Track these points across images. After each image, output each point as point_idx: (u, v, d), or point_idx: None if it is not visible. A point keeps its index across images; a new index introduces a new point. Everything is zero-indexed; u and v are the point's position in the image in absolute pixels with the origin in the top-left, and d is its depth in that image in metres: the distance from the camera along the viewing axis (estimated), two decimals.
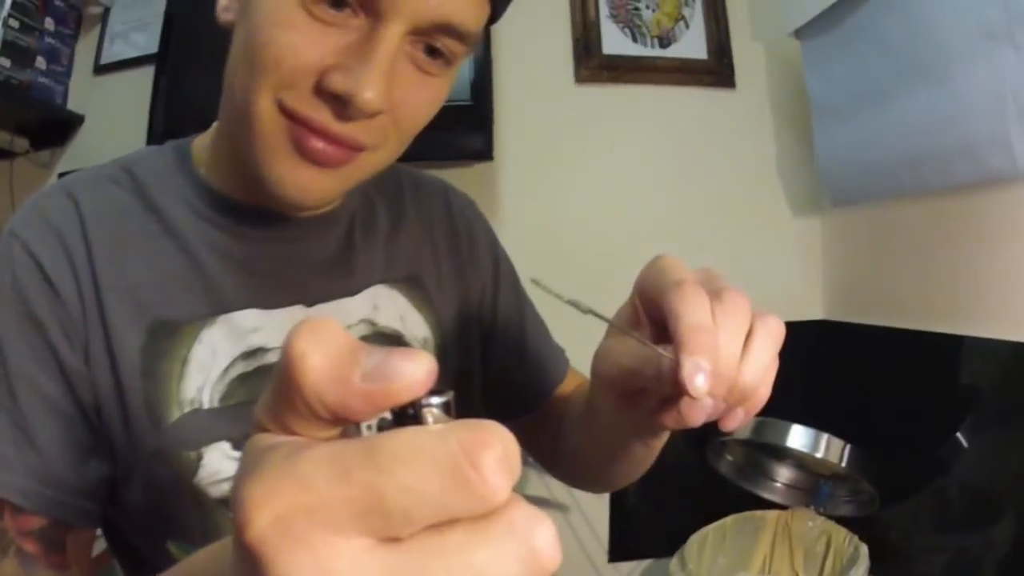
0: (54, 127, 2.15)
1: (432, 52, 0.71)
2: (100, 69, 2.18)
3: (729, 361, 0.54)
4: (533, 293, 1.06)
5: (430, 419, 0.30)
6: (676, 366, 0.51)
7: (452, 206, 1.02)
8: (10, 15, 1.94)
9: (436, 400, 0.30)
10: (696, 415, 0.55)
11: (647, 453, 0.77)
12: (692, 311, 0.53)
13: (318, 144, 0.68)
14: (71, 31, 2.18)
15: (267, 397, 0.32)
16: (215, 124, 0.83)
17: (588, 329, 0.64)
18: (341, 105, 0.66)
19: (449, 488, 0.26)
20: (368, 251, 0.90)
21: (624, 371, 0.61)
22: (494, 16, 0.76)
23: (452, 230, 1.00)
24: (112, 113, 2.12)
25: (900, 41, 1.58)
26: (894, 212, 1.84)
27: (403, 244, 0.94)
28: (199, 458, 0.75)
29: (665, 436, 0.73)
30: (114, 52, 2.18)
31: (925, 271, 1.75)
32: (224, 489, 0.76)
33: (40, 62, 2.06)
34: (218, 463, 0.76)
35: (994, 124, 1.35)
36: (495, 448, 0.26)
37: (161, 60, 2.00)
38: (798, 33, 1.94)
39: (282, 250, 0.83)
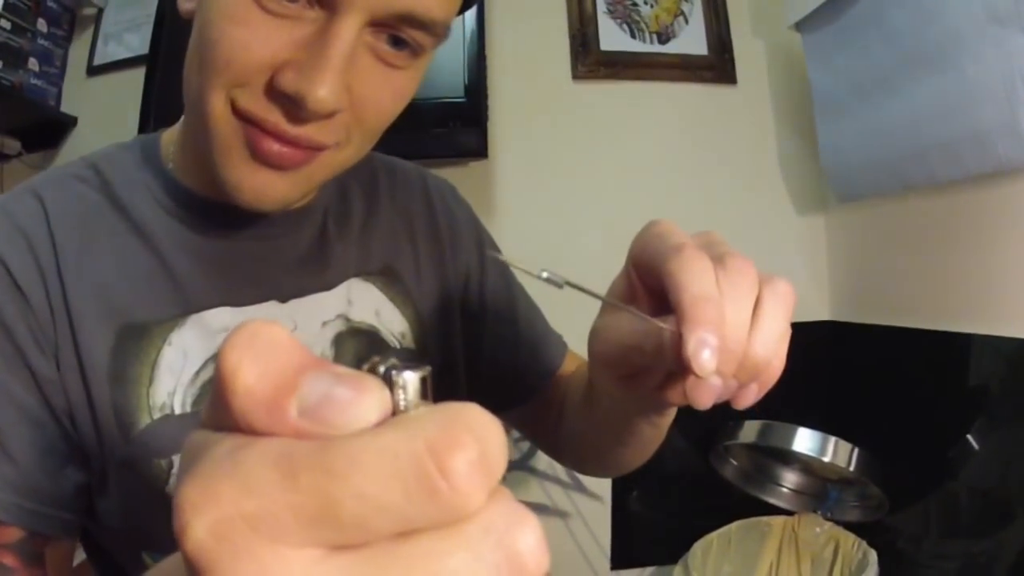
0: (47, 129, 2.10)
1: (397, 42, 0.65)
2: (93, 70, 2.13)
3: (737, 334, 0.49)
4: (538, 284, 0.98)
5: (401, 401, 0.25)
6: (679, 341, 0.47)
7: (431, 193, 0.97)
8: (3, 16, 1.89)
9: (410, 376, 0.25)
10: (703, 396, 0.50)
11: (654, 433, 0.72)
12: (695, 279, 0.48)
13: (273, 146, 0.63)
14: (64, 32, 2.13)
15: (206, 403, 0.27)
16: (183, 117, 0.77)
17: (588, 309, 0.58)
18: (294, 105, 0.61)
19: (413, 497, 0.22)
20: (342, 244, 0.85)
21: (623, 349, 0.56)
22: (467, 2, 0.70)
23: (431, 218, 0.95)
24: (105, 115, 2.07)
25: (904, 29, 1.51)
26: (899, 207, 1.77)
27: (378, 235, 0.89)
28: (171, 466, 0.70)
29: (672, 414, 0.69)
30: (107, 53, 2.13)
31: (932, 267, 1.68)
32: None
33: (33, 63, 2.01)
34: None
35: (1003, 110, 1.28)
36: (468, 449, 0.23)
37: (152, 61, 1.96)
38: (799, 26, 1.87)
39: (253, 246, 0.79)
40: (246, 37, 0.61)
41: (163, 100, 1.85)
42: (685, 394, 0.52)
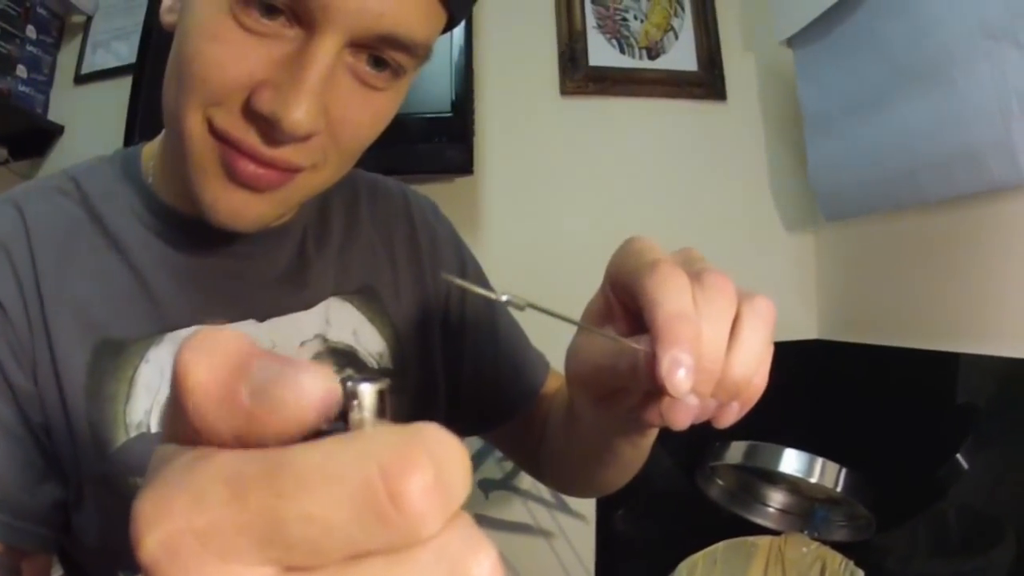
0: (34, 137, 2.07)
1: (378, 63, 0.63)
2: (81, 79, 2.10)
3: (714, 353, 0.48)
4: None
5: (356, 414, 0.25)
6: (653, 361, 0.45)
7: (412, 210, 0.95)
8: None
9: (367, 388, 0.25)
10: (680, 416, 0.49)
11: (635, 453, 0.71)
12: (670, 297, 0.47)
13: (248, 167, 0.62)
14: (53, 40, 2.10)
15: (164, 416, 0.22)
16: (164, 131, 0.75)
17: (569, 328, 0.55)
18: (269, 127, 0.60)
19: (362, 521, 0.22)
20: (321, 263, 0.84)
21: (598, 369, 0.55)
22: (451, 22, 0.68)
23: (411, 236, 0.93)
24: (92, 124, 2.04)
25: (897, 45, 1.48)
26: (888, 226, 1.74)
27: (357, 254, 0.88)
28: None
29: (653, 434, 0.68)
30: (95, 62, 2.10)
31: (921, 286, 1.65)
32: None
33: (21, 70, 1.98)
34: None
35: (996, 127, 1.25)
36: (423, 472, 0.22)
37: (139, 71, 1.93)
38: (791, 42, 1.84)
39: (232, 264, 0.77)
40: (222, 55, 0.60)
41: (149, 111, 1.82)
42: (661, 415, 0.51)
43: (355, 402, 0.25)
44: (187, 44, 0.61)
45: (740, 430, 1.47)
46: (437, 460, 0.22)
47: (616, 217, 2.00)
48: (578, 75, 2.00)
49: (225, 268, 0.77)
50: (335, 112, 0.63)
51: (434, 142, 1.79)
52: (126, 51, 2.04)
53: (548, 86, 2.03)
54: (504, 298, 0.45)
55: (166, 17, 0.68)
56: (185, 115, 0.62)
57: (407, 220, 0.94)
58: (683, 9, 2.06)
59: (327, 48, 0.59)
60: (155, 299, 0.73)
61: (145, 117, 1.84)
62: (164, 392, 0.70)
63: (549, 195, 2.01)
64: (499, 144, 1.97)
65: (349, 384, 0.25)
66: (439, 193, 1.03)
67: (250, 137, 0.61)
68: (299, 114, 0.58)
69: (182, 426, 0.25)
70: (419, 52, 0.65)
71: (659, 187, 2.04)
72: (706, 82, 2.05)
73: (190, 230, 0.74)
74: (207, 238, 0.74)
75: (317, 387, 0.23)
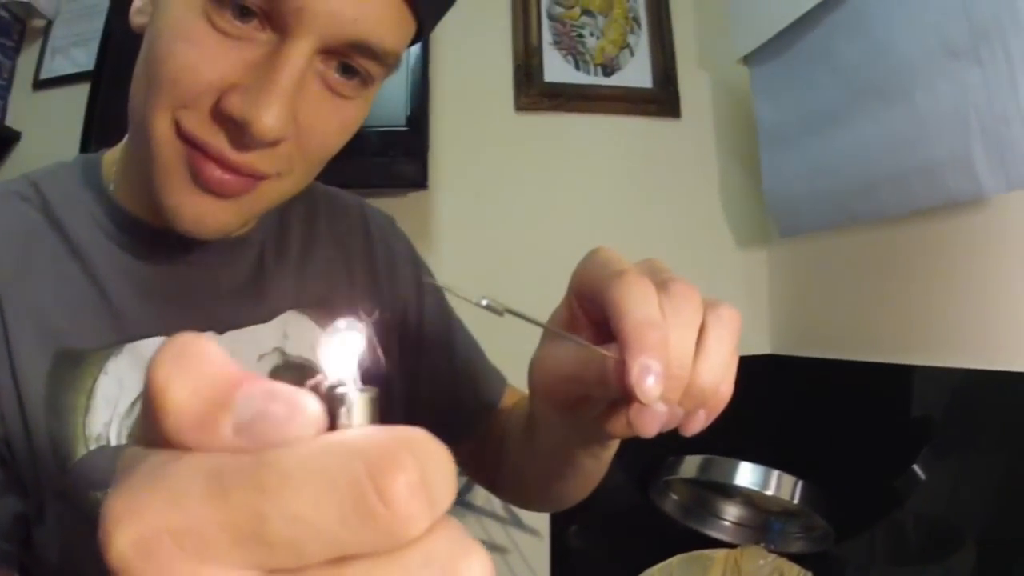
0: None
1: (347, 71, 0.63)
2: (39, 84, 2.06)
3: (682, 360, 0.48)
4: (475, 318, 0.95)
5: (345, 422, 0.24)
6: (622, 368, 0.46)
7: (369, 225, 0.95)
8: None
9: (357, 396, 0.25)
10: (648, 423, 0.48)
11: (596, 465, 0.70)
12: (637, 305, 0.47)
13: (215, 172, 0.61)
14: (13, 44, 2.05)
15: (137, 420, 0.21)
16: (126, 137, 0.74)
17: (529, 339, 0.57)
18: (238, 131, 0.60)
19: (348, 521, 0.21)
20: (279, 275, 0.83)
21: (563, 378, 0.55)
22: (420, 33, 0.68)
23: (369, 250, 0.93)
24: (49, 130, 2.00)
25: (856, 62, 1.50)
26: (841, 241, 1.76)
27: (315, 267, 0.87)
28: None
29: (614, 447, 0.67)
30: (54, 67, 2.05)
31: (874, 300, 1.67)
32: None
33: None
34: None
35: (955, 143, 1.26)
36: (409, 472, 0.22)
37: (97, 78, 1.89)
38: (747, 59, 1.86)
39: (192, 275, 0.76)
40: (194, 57, 0.59)
41: (106, 119, 1.80)
42: (628, 424, 0.50)
43: (344, 409, 0.24)
44: (159, 45, 0.60)
45: (694, 444, 1.47)
46: (422, 460, 0.22)
47: (569, 233, 1.99)
48: (533, 91, 2.00)
49: (185, 279, 0.76)
50: (303, 119, 0.63)
51: (389, 156, 1.78)
52: (84, 58, 2.00)
53: (503, 101, 2.02)
54: (484, 302, 0.46)
55: (136, 19, 0.67)
56: (153, 117, 0.61)
57: (365, 235, 0.94)
58: (639, 27, 2.08)
59: (299, 52, 0.59)
60: (114, 309, 0.71)
61: (102, 125, 1.81)
62: (123, 404, 0.68)
63: (503, 210, 2.00)
64: (453, 158, 1.96)
65: (338, 391, 0.24)
66: (392, 207, 1.02)
67: (218, 140, 0.61)
68: (270, 118, 0.58)
69: (154, 435, 0.24)
70: (388, 61, 0.66)
71: (612, 203, 2.05)
72: (661, 99, 2.06)
73: (150, 239, 0.73)
74: (167, 248, 0.74)
75: (310, 429, 0.23)
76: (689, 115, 2.09)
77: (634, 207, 2.05)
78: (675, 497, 1.81)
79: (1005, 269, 1.32)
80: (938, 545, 1.40)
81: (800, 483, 1.54)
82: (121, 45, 1.84)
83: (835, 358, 1.74)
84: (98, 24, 1.98)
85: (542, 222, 2.00)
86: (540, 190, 2.02)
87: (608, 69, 2.04)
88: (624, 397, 0.47)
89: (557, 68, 2.02)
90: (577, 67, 2.03)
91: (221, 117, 0.60)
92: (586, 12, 2.05)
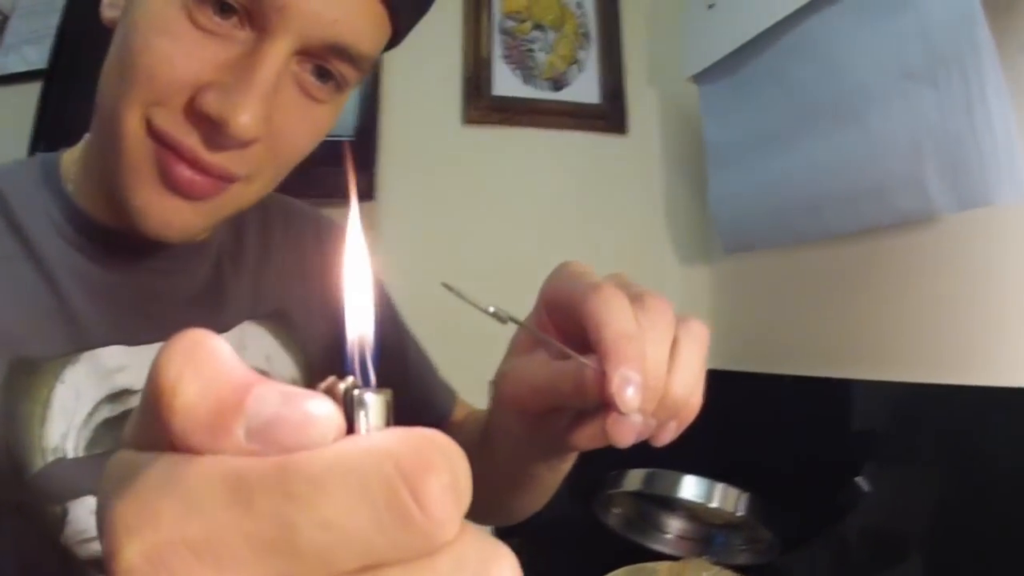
0: None
1: (322, 74, 0.63)
2: None
3: (658, 372, 0.50)
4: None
5: (363, 425, 0.23)
6: (601, 378, 0.47)
7: (323, 234, 0.95)
8: None
9: (374, 398, 0.24)
10: (625, 433, 0.49)
11: (554, 478, 0.71)
12: (616, 317, 0.48)
13: (185, 173, 0.60)
14: None
15: (133, 418, 0.25)
16: (86, 136, 0.72)
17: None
18: (213, 130, 0.58)
19: (383, 525, 0.20)
20: (236, 284, 0.82)
21: (536, 390, 0.56)
22: (395, 39, 0.69)
23: (323, 260, 0.91)
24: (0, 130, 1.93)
25: (808, 83, 1.52)
26: (784, 257, 1.79)
27: (271, 276, 0.86)
28: (64, 513, 0.64)
29: (572, 459, 0.68)
30: (7, 65, 1.98)
31: (817, 316, 1.70)
32: (92, 549, 0.65)
33: None
34: (85, 520, 0.65)
35: (908, 165, 1.29)
36: (442, 473, 0.21)
37: (49, 77, 1.84)
38: (696, 78, 1.88)
39: (149, 282, 0.74)
40: (171, 51, 0.58)
41: (58, 119, 1.75)
42: (595, 435, 0.53)
43: (362, 412, 0.24)
44: (135, 38, 0.59)
45: (637, 458, 1.48)
46: (451, 461, 0.21)
47: (515, 246, 2.00)
48: (481, 104, 2.00)
49: (142, 285, 0.74)
50: (276, 121, 0.63)
51: (337, 166, 1.75)
52: (36, 56, 1.94)
53: (451, 114, 2.02)
54: (491, 310, 0.48)
55: (107, 12, 0.65)
56: (123, 113, 0.60)
57: (318, 244, 0.93)
58: (589, 42, 2.09)
59: (278, 52, 0.59)
60: (71, 316, 0.69)
61: (53, 126, 1.76)
62: (80, 415, 0.67)
63: (448, 222, 2.00)
64: (399, 169, 1.95)
65: (356, 393, 0.24)
66: (338, 218, 1.01)
67: (191, 140, 0.60)
68: (246, 116, 0.58)
69: (155, 437, 0.23)
70: (364, 66, 0.66)
71: (558, 217, 2.06)
72: (608, 115, 2.08)
73: (108, 243, 0.72)
74: (125, 252, 0.72)
75: (329, 434, 0.22)
76: (636, 132, 2.11)
77: (579, 222, 2.06)
78: (617, 511, 1.80)
79: (948, 285, 1.35)
80: (883, 556, 1.43)
81: (745, 495, 1.54)
82: (76, 44, 1.80)
83: (777, 372, 1.76)
84: (53, 21, 1.92)
85: (488, 235, 2.00)
86: (486, 203, 2.02)
87: (557, 84, 2.06)
88: (600, 407, 0.48)
89: (506, 81, 2.03)
90: (526, 81, 2.04)
91: (195, 115, 0.59)
92: (537, 27, 2.06)
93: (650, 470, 1.64)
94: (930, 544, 1.34)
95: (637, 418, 0.48)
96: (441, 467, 0.21)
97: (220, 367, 0.22)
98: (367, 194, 1.83)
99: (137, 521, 0.20)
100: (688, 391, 0.51)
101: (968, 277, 1.32)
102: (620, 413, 0.47)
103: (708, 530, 1.73)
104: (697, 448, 1.67)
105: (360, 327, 0.28)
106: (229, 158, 0.62)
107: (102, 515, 0.22)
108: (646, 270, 2.07)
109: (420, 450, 0.21)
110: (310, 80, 0.64)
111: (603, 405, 0.47)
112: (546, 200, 2.06)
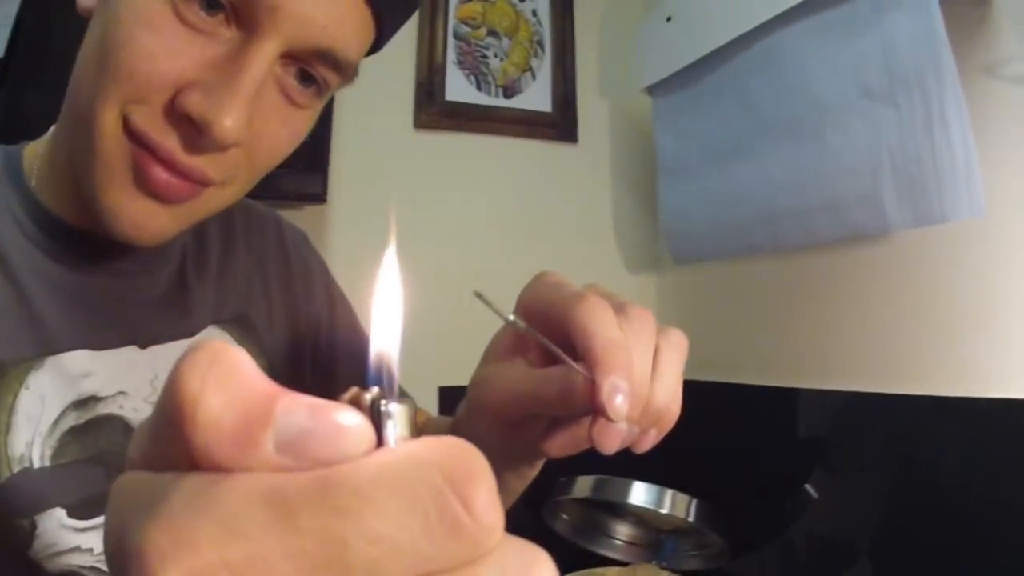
0: None
1: (305, 79, 0.62)
2: None
3: (642, 380, 0.50)
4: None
5: (391, 433, 0.23)
6: (591, 387, 0.47)
7: (285, 239, 0.93)
8: None
9: (401, 408, 0.23)
10: (611, 440, 0.49)
11: (521, 484, 0.70)
12: (603, 327, 0.49)
13: (161, 175, 0.58)
14: None
15: (143, 436, 0.23)
16: (52, 129, 0.69)
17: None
18: (194, 131, 0.56)
19: (434, 534, 0.20)
20: (201, 288, 0.80)
21: (517, 396, 0.55)
22: (376, 45, 0.68)
23: (285, 264, 0.91)
24: None
25: (768, 98, 1.55)
26: (728, 268, 1.83)
27: (233, 280, 0.84)
28: (33, 527, 0.62)
29: (539, 466, 0.68)
30: None
31: (762, 327, 1.74)
32: (62, 563, 0.63)
33: None
34: (53, 533, 0.62)
35: (865, 181, 1.33)
36: (486, 478, 0.21)
37: (3, 69, 1.74)
38: (651, 89, 1.90)
39: (114, 284, 0.71)
40: (154, 46, 0.56)
41: (15, 112, 1.65)
42: (569, 443, 0.54)
43: (391, 422, 0.23)
44: (116, 30, 0.57)
45: (584, 465, 1.48)
46: (488, 468, 0.21)
47: (464, 252, 2.00)
48: (433, 109, 2.00)
49: (106, 287, 0.72)
50: (257, 125, 0.61)
51: (290, 167, 1.73)
52: None
53: (403, 119, 2.02)
54: (510, 318, 0.48)
55: (84, 2, 0.63)
56: (100, 109, 0.58)
57: (280, 249, 0.92)
58: (543, 51, 2.11)
59: (265, 54, 0.58)
60: (35, 318, 0.66)
61: (9, 119, 1.65)
62: (46, 422, 0.64)
63: (398, 227, 1.97)
64: (349, 173, 1.94)
65: (382, 404, 0.23)
66: (290, 220, 1.01)
67: (169, 141, 0.58)
68: (230, 120, 0.56)
69: (173, 453, 0.22)
70: (347, 72, 0.65)
71: (506, 224, 2.06)
72: (558, 123, 2.10)
73: (73, 243, 0.69)
74: (87, 252, 0.69)
75: (362, 444, 0.21)
76: (586, 141, 2.14)
77: (528, 229, 2.07)
78: (566, 517, 1.81)
79: (896, 298, 1.40)
80: (831, 560, 1.47)
81: (694, 501, 1.56)
82: (35, 34, 1.73)
83: (726, 381, 1.79)
84: (11, 10, 1.80)
85: (438, 240, 2.00)
86: (437, 208, 2.02)
87: (509, 91, 2.07)
88: (576, 415, 0.50)
89: (459, 87, 2.03)
90: (479, 87, 2.04)
91: (175, 116, 0.57)
92: (492, 33, 2.07)
93: (599, 477, 1.65)
94: (877, 548, 1.38)
95: (623, 426, 0.49)
96: (485, 474, 0.21)
97: (243, 378, 0.21)
98: (320, 197, 1.80)
99: (173, 547, 0.19)
100: (670, 399, 0.52)
101: (915, 291, 1.37)
102: (609, 420, 0.47)
103: (657, 536, 1.74)
104: (644, 455, 1.70)
105: (384, 338, 0.28)
106: (207, 161, 0.60)
107: (124, 542, 0.21)
108: (594, 279, 2.01)
109: (463, 458, 0.21)
110: (293, 84, 0.63)
111: (587, 412, 0.48)
112: (496, 207, 2.07)
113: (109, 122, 0.58)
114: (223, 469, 0.21)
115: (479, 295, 0.46)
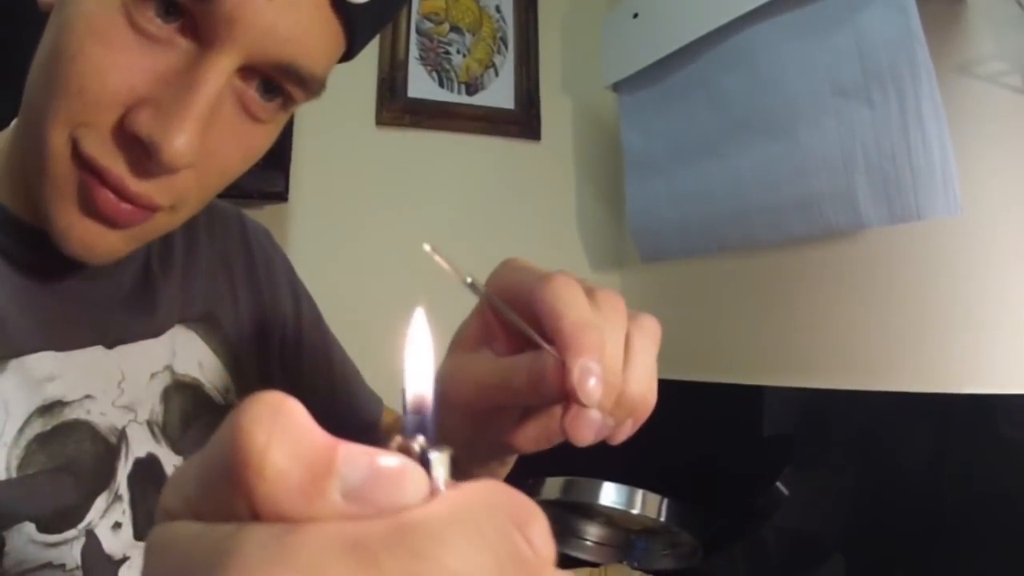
0: None
1: (268, 90, 0.58)
2: None
3: (615, 367, 0.48)
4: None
5: (440, 480, 0.24)
6: (561, 369, 0.45)
7: (248, 236, 0.91)
8: None
9: (443, 456, 0.25)
10: (584, 431, 0.46)
11: None
12: (572, 307, 0.46)
13: (109, 201, 0.56)
14: None
15: (187, 485, 0.24)
16: (12, 124, 0.66)
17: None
18: (143, 153, 0.54)
19: (504, 569, 0.21)
20: (166, 285, 0.77)
21: (483, 388, 0.53)
22: (346, 57, 0.64)
23: (250, 261, 0.88)
24: None
25: (735, 96, 1.56)
26: (695, 267, 1.84)
27: (199, 277, 0.82)
28: (1, 544, 0.59)
29: (511, 463, 0.65)
30: None
31: (729, 324, 1.75)
32: None
33: None
34: (23, 549, 0.60)
35: (838, 179, 1.34)
36: (542, 519, 0.23)
37: None
38: (616, 86, 1.90)
39: (77, 284, 0.69)
40: (104, 60, 0.53)
41: None
42: (540, 437, 0.53)
43: (440, 469, 0.24)
44: (67, 40, 0.54)
45: (551, 466, 1.48)
46: (539, 508, 0.23)
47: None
48: (396, 105, 1.99)
49: (69, 287, 0.69)
50: (210, 143, 0.57)
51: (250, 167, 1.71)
52: None
53: (364, 116, 2.00)
54: (468, 280, 0.46)
55: None
56: (49, 131, 0.55)
57: (244, 245, 0.90)
58: (506, 47, 2.11)
59: (220, 69, 0.54)
60: None
61: None
62: (11, 431, 0.61)
63: (359, 225, 1.98)
64: (310, 171, 1.92)
65: (429, 452, 0.25)
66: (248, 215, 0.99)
67: (118, 167, 0.55)
68: (181, 142, 0.53)
69: (229, 505, 0.22)
70: (313, 88, 0.61)
71: (469, 222, 2.06)
72: (522, 121, 2.10)
73: (32, 242, 0.65)
74: (50, 253, 0.64)
75: (421, 490, 0.23)
76: (549, 138, 2.14)
77: (492, 227, 2.07)
78: None
79: (866, 296, 1.42)
80: (803, 557, 1.48)
81: (665, 501, 1.56)
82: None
83: (695, 379, 1.80)
84: None
85: (399, 238, 1.97)
86: (398, 206, 2.01)
87: (472, 88, 2.06)
88: (557, 403, 0.47)
89: (421, 84, 2.02)
90: (441, 84, 2.04)
91: (124, 136, 0.54)
92: (455, 29, 2.06)
93: (568, 478, 1.65)
94: (849, 545, 1.40)
95: (596, 415, 0.46)
96: (540, 513, 0.23)
97: (304, 430, 0.22)
98: (282, 195, 1.79)
99: None
100: (644, 387, 0.49)
101: (887, 287, 1.39)
102: (582, 405, 0.45)
103: (627, 536, 1.75)
104: (611, 454, 1.70)
105: (419, 386, 0.28)
106: (155, 187, 0.57)
107: None
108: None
109: (521, 502, 0.23)
110: (254, 97, 0.59)
111: (558, 401, 0.47)
112: (458, 204, 2.06)
113: (58, 145, 0.55)
114: (289, 519, 0.21)
115: (432, 250, 0.44)
